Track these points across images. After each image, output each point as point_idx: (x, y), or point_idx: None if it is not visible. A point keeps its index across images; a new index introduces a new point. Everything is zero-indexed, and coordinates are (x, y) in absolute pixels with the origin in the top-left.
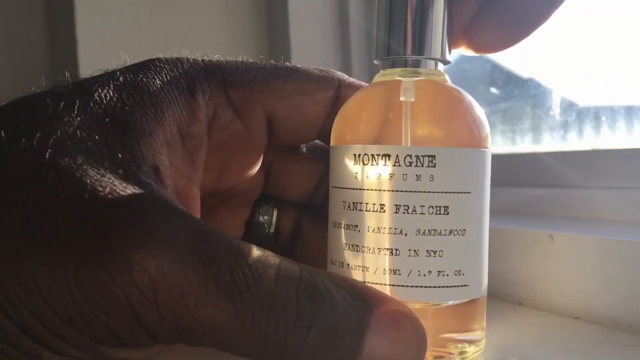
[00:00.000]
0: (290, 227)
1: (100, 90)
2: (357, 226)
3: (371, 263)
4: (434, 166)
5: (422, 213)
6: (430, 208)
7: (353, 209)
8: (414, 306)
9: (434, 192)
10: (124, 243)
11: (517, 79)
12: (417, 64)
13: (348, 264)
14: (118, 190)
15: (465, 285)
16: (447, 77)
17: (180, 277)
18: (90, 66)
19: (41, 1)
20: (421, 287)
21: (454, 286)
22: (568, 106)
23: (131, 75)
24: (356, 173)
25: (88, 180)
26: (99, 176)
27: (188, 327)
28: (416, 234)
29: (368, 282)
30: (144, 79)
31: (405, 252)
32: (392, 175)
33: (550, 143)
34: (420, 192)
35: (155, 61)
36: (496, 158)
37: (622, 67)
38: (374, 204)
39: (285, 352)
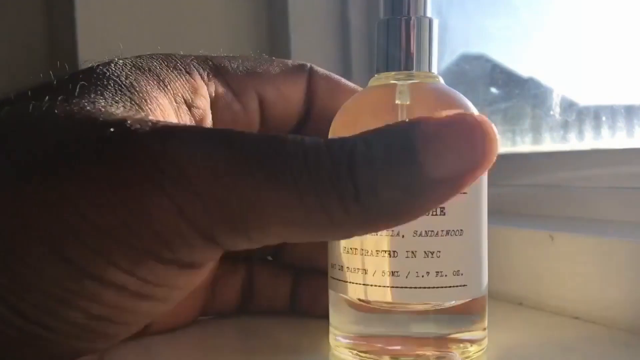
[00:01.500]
0: None
1: (101, 67)
2: None
3: (370, 265)
4: None
5: None
6: None
7: None
8: (414, 307)
9: None
10: (146, 140)
11: (517, 78)
12: (411, 67)
13: (348, 267)
14: (132, 116)
15: (464, 285)
16: (441, 79)
17: (210, 156)
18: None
19: (42, 1)
20: (420, 288)
21: (453, 286)
22: (568, 106)
23: (130, 60)
24: None
25: (102, 109)
26: (112, 109)
27: (239, 210)
28: (413, 235)
29: (368, 285)
30: (143, 62)
31: (403, 254)
32: None
33: (550, 143)
34: None
35: (149, 54)
36: (496, 158)
37: (623, 67)
38: None
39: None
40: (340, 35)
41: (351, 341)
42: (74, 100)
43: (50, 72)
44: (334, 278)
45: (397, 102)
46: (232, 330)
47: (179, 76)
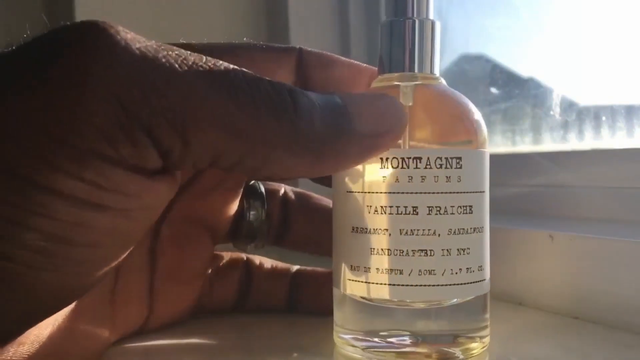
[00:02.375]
0: (278, 213)
1: None
2: (386, 230)
3: (405, 265)
4: (461, 167)
5: (452, 213)
6: (459, 208)
7: (380, 213)
8: (419, 305)
9: (461, 192)
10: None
11: (517, 78)
12: (414, 69)
13: (377, 269)
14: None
15: (484, 280)
16: (443, 80)
17: (146, 43)
18: None
19: (42, 1)
20: (453, 285)
21: (478, 281)
22: (568, 106)
23: None
24: (383, 177)
25: None
26: None
27: (177, 105)
28: (447, 234)
29: (402, 285)
30: None
31: (439, 252)
32: (423, 178)
33: (550, 143)
34: (449, 192)
35: None
36: (496, 158)
37: (623, 67)
38: (405, 207)
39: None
40: (340, 35)
41: (355, 339)
42: None
43: None
44: (351, 280)
45: (401, 102)
46: (234, 330)
47: None
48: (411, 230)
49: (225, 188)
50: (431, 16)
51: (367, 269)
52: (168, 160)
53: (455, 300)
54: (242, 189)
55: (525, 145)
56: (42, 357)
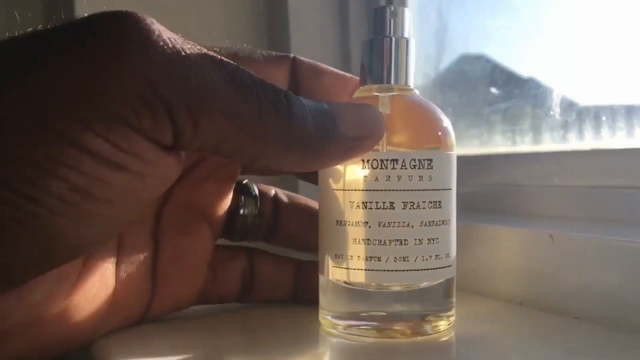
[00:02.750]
0: (270, 212)
1: None
2: (366, 222)
3: (383, 253)
4: (432, 168)
5: (423, 208)
6: (430, 203)
7: (361, 208)
8: (395, 288)
9: (431, 189)
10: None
11: (517, 78)
12: (391, 81)
13: (359, 256)
14: None
15: (450, 266)
16: (417, 91)
17: (175, 38)
18: None
19: (42, 2)
20: (425, 270)
21: (446, 267)
22: (568, 106)
23: None
24: (364, 176)
25: None
26: None
27: (195, 89)
28: (420, 225)
29: (380, 270)
30: None
31: (412, 242)
32: (399, 177)
33: (550, 143)
34: (421, 190)
35: None
36: (496, 158)
37: (623, 67)
38: (383, 202)
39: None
40: (340, 35)
41: (339, 319)
42: None
43: None
44: (335, 267)
45: (380, 110)
46: (229, 314)
47: None
48: (388, 222)
49: (217, 179)
50: (406, 35)
51: (348, 257)
52: (179, 139)
53: (426, 283)
54: (234, 184)
55: (525, 145)
56: (45, 335)
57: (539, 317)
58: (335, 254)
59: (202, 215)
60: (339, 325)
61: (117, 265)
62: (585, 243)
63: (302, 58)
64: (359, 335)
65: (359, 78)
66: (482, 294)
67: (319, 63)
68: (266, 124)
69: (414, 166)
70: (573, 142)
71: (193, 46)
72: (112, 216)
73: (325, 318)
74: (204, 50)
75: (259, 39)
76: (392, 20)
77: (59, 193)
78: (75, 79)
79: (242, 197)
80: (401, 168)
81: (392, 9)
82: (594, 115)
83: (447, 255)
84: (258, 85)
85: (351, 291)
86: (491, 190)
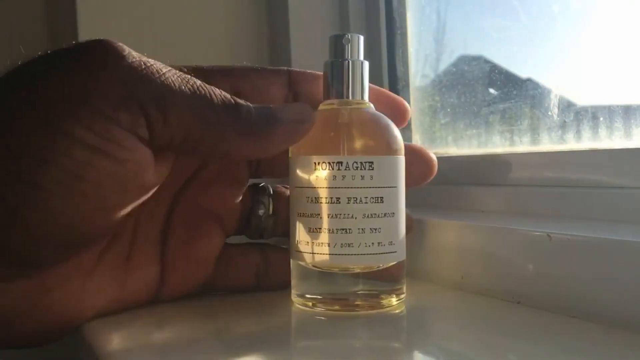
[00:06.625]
0: (284, 211)
1: None
2: (318, 214)
3: (331, 240)
4: (372, 169)
5: (365, 202)
6: (371, 199)
7: (315, 202)
8: (354, 270)
9: (373, 187)
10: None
11: (516, 79)
12: (349, 96)
13: (313, 242)
14: None
15: (395, 252)
16: (371, 105)
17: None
18: None
19: (42, 2)
20: (368, 254)
21: (388, 252)
22: (566, 106)
23: None
24: (316, 176)
25: None
26: None
27: (160, 88)
28: (363, 217)
29: (331, 254)
30: None
31: (356, 231)
32: (344, 177)
33: (548, 143)
34: (363, 187)
35: None
36: (496, 158)
37: (621, 67)
38: (332, 198)
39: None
40: None
41: (307, 295)
42: None
43: None
44: (298, 251)
45: (339, 121)
46: (195, 299)
47: None
48: (335, 214)
49: (222, 182)
50: (362, 58)
51: (307, 243)
52: (153, 131)
53: (380, 266)
54: (244, 187)
55: (523, 146)
56: (61, 317)
57: (538, 316)
58: (297, 241)
59: (212, 215)
60: (307, 301)
61: (129, 258)
62: (584, 243)
63: (296, 69)
64: (325, 310)
65: None
66: (482, 293)
67: (311, 71)
68: (220, 115)
69: (357, 167)
70: (571, 143)
71: (154, 61)
72: (102, 197)
73: (295, 297)
74: (163, 65)
75: (259, 40)
76: (348, 46)
77: (57, 177)
78: (71, 85)
79: (258, 198)
80: (345, 169)
81: (349, 36)
82: (592, 116)
83: (391, 243)
84: (209, 88)
85: (315, 272)
86: (490, 190)
